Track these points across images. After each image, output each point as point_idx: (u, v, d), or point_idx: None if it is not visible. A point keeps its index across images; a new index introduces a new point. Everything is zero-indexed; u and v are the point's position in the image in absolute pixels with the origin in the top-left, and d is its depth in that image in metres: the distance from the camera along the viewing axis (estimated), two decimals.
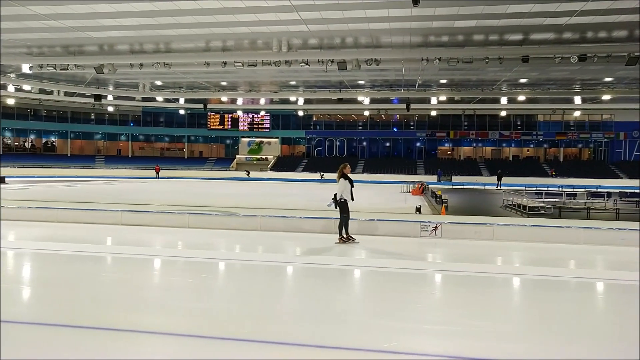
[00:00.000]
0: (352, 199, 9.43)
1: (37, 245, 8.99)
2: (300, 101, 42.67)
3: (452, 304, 5.65)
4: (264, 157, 57.90)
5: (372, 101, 42.63)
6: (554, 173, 46.24)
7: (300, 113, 54.39)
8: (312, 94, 40.93)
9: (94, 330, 4.35)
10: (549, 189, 23.89)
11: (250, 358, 3.83)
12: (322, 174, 48.21)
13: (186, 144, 61.57)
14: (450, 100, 42.51)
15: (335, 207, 9.38)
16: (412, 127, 56.51)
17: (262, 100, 46.69)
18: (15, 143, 57.02)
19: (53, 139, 58.76)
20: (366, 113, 52.14)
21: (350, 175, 9.61)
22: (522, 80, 33.59)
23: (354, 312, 5.27)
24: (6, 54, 28.39)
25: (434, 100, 38.53)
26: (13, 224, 11.38)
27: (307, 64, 24.93)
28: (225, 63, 26.34)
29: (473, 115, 52.51)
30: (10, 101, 48.05)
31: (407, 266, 7.69)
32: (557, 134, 52.71)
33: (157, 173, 46.13)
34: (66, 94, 42.31)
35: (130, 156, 59.58)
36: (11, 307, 5.18)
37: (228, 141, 61.90)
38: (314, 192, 27.28)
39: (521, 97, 36.93)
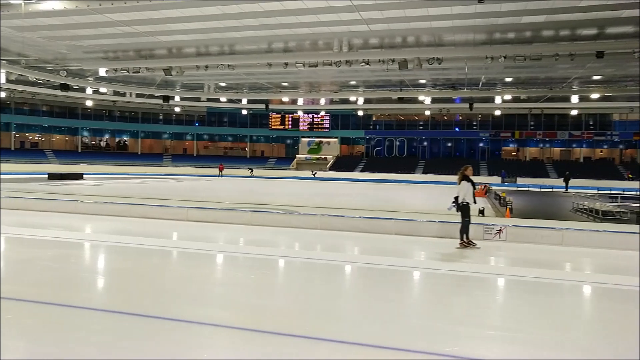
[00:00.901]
0: (475, 202, 9.13)
1: (110, 238, 9.56)
2: (360, 101, 42.63)
3: (516, 310, 5.46)
4: (323, 156, 58.31)
5: (434, 100, 41.82)
6: (630, 176, 43.23)
7: (360, 113, 54.35)
8: (372, 94, 40.78)
9: (160, 320, 4.58)
10: (625, 192, 22.41)
11: (311, 357, 3.89)
12: (314, 172, 50.04)
13: (248, 143, 63.17)
14: (515, 99, 40.91)
15: (457, 211, 9.09)
16: (475, 127, 54.83)
17: (322, 101, 47.05)
18: (92, 142, 60.85)
19: (125, 138, 62.19)
20: (427, 112, 51.20)
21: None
22: (596, 77, 31.74)
23: (413, 314, 5.22)
24: (86, 59, 30.39)
25: (498, 99, 37.21)
26: (90, 218, 12.18)
27: (367, 63, 24.86)
28: (286, 64, 26.79)
29: (540, 114, 50.18)
30: (89, 103, 51.40)
31: (469, 269, 7.51)
32: (634, 134, 49.21)
33: (221, 171, 47.63)
34: (137, 95, 44.65)
35: (195, 155, 61.93)
36: (85, 294, 5.58)
37: (288, 141, 62.88)
38: (372, 192, 27.15)
39: (594, 95, 34.85)
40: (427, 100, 39.89)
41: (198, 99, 47.79)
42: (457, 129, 55.82)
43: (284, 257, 8.30)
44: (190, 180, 37.98)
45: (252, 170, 50.15)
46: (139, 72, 30.21)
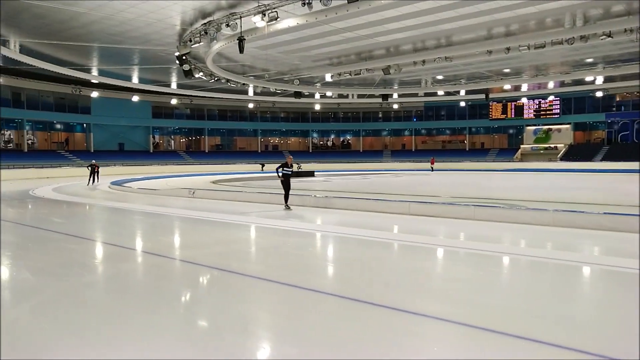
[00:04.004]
0: None
1: (338, 229, 10.40)
2: (599, 80, 37.18)
3: None
4: (552, 145, 52.68)
5: None
6: None
7: (599, 94, 47.35)
8: (614, 71, 35.07)
9: (381, 308, 4.78)
10: None
11: (533, 358, 3.59)
12: (299, 166, 45.24)
13: (467, 135, 61.15)
14: None
15: None
16: None
17: (551, 84, 42.50)
18: (320, 142, 67.11)
19: (348, 137, 66.80)
20: None
21: None
22: None
23: None
24: (314, 67, 33.63)
25: None
26: (321, 211, 13.45)
27: (609, 36, 21.53)
28: (508, 49, 25.07)
29: None
30: (317, 107, 56.81)
31: None
32: None
33: (432, 165, 47.27)
34: (358, 96, 47.45)
35: (413, 150, 62.79)
36: (317, 279, 6.18)
37: (511, 131, 58.75)
38: (616, 185, 23.43)
39: None
40: None
41: (415, 94, 48.28)
42: None
43: (509, 254, 7.79)
44: (409, 174, 38.66)
45: (263, 166, 48.57)
46: (360, 73, 32.08)
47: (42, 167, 39.46)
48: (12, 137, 47.31)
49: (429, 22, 22.40)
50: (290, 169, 13.68)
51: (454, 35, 25.17)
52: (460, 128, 61.40)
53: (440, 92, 45.03)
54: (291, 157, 14.37)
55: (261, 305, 5.07)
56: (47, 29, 24.70)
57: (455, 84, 42.91)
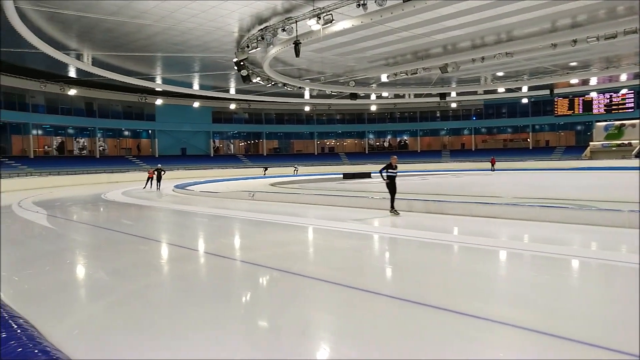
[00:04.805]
0: None
1: (395, 231, 10.28)
2: None
3: None
4: (626, 142, 49.45)
5: None
6: None
7: None
8: None
9: (442, 311, 4.68)
10: None
11: None
12: (296, 168, 47.22)
13: (530, 133, 58.68)
14: None
15: None
16: None
17: (623, 76, 39.95)
18: (377, 143, 66.65)
19: (405, 138, 65.91)
20: None
21: None
22: None
23: None
24: (370, 68, 33.49)
25: None
26: (377, 212, 13.34)
27: None
28: (575, 41, 23.84)
29: None
30: (373, 108, 56.51)
31: None
32: None
33: (493, 165, 45.61)
34: (415, 95, 46.69)
35: (473, 149, 61.01)
36: (377, 282, 6.14)
37: (579, 127, 55.75)
38: None
39: None
40: None
41: (475, 92, 46.90)
42: None
43: (578, 256, 7.39)
44: (469, 175, 37.61)
45: (266, 169, 47.92)
46: (417, 73, 31.58)
47: (112, 172, 41.84)
48: (85, 144, 50.43)
49: (488, 17, 21.71)
50: (396, 171, 12.39)
51: (515, 30, 24.24)
52: (523, 126, 59.00)
53: (501, 89, 43.48)
54: (395, 157, 12.80)
55: (321, 306, 5.11)
56: (115, 42, 26.16)
57: (517, 80, 41.27)
